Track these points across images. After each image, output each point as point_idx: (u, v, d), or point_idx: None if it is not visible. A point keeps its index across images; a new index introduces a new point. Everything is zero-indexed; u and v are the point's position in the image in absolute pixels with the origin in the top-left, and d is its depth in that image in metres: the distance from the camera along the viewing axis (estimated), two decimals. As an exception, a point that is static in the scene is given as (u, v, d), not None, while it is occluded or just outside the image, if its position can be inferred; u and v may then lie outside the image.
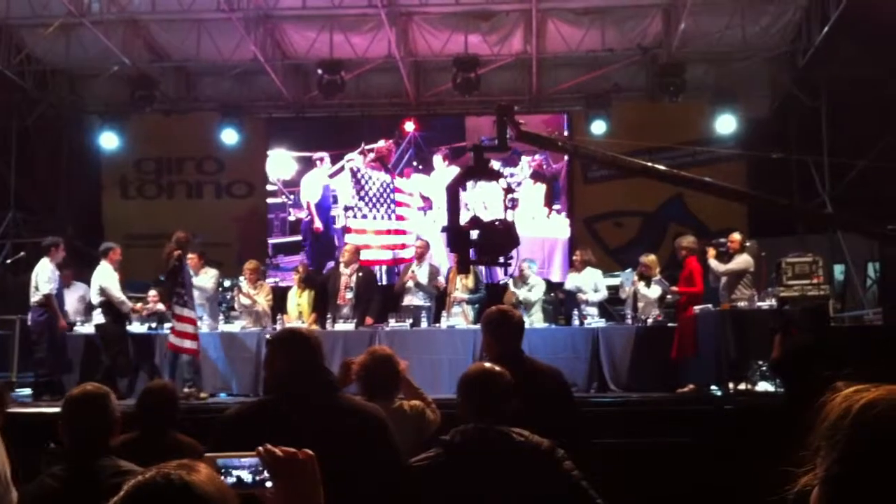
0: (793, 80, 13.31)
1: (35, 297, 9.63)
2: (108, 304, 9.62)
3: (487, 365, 3.14)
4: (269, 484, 1.56)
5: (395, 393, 4.05)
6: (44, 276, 9.62)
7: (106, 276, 9.66)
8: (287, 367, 3.08)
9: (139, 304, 10.57)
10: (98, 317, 9.79)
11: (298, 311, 10.76)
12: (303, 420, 2.81)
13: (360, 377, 3.95)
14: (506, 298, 10.20)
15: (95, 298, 9.74)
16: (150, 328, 10.39)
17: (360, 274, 10.65)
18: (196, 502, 1.29)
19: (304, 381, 3.01)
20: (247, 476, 1.56)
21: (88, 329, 10.26)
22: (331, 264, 12.77)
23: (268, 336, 3.28)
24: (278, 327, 10.20)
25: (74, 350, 10.11)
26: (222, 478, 1.54)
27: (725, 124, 12.86)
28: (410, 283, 10.71)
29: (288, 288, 11.41)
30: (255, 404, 3.38)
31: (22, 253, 12.57)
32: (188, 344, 9.31)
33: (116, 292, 9.67)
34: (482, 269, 10.11)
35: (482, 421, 2.88)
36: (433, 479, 2.82)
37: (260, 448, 1.57)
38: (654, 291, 10.03)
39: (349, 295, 10.52)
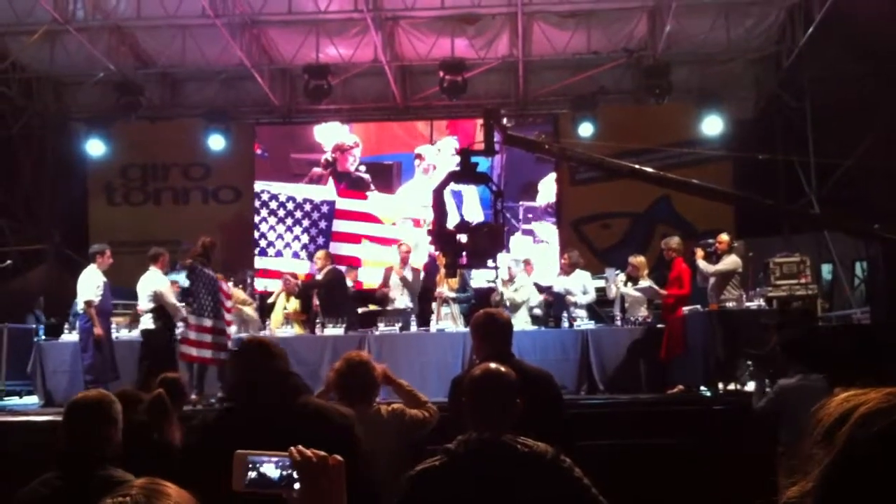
0: (777, 81, 13.40)
1: (79, 304, 9.43)
2: (160, 310, 9.28)
3: (493, 366, 2.99)
4: (296, 485, 1.56)
5: (373, 398, 4.04)
6: (86, 283, 9.34)
7: (160, 282, 9.36)
8: (244, 375, 3.15)
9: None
10: (147, 322, 9.38)
11: (285, 316, 10.74)
12: (263, 426, 2.80)
13: (336, 383, 3.93)
14: (491, 297, 10.22)
15: (145, 304, 9.38)
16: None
17: (329, 277, 10.62)
18: None
19: (262, 388, 3.05)
20: (274, 473, 1.57)
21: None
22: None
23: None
24: (268, 333, 10.18)
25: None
26: (251, 473, 1.56)
27: (711, 125, 12.89)
28: (396, 280, 10.72)
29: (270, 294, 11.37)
30: (220, 413, 3.41)
31: (8, 261, 12.49)
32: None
33: (172, 298, 9.36)
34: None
35: (487, 429, 2.80)
36: (433, 486, 2.79)
37: (292, 448, 1.58)
38: (640, 294, 9.99)
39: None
